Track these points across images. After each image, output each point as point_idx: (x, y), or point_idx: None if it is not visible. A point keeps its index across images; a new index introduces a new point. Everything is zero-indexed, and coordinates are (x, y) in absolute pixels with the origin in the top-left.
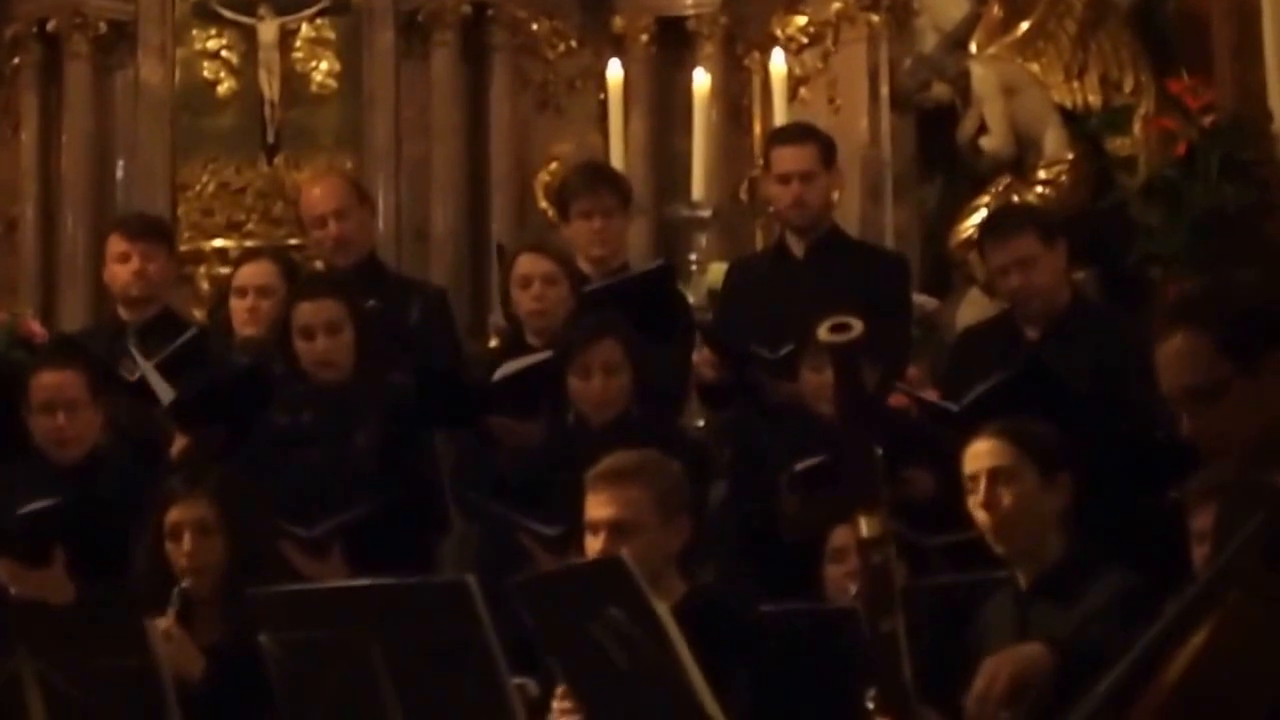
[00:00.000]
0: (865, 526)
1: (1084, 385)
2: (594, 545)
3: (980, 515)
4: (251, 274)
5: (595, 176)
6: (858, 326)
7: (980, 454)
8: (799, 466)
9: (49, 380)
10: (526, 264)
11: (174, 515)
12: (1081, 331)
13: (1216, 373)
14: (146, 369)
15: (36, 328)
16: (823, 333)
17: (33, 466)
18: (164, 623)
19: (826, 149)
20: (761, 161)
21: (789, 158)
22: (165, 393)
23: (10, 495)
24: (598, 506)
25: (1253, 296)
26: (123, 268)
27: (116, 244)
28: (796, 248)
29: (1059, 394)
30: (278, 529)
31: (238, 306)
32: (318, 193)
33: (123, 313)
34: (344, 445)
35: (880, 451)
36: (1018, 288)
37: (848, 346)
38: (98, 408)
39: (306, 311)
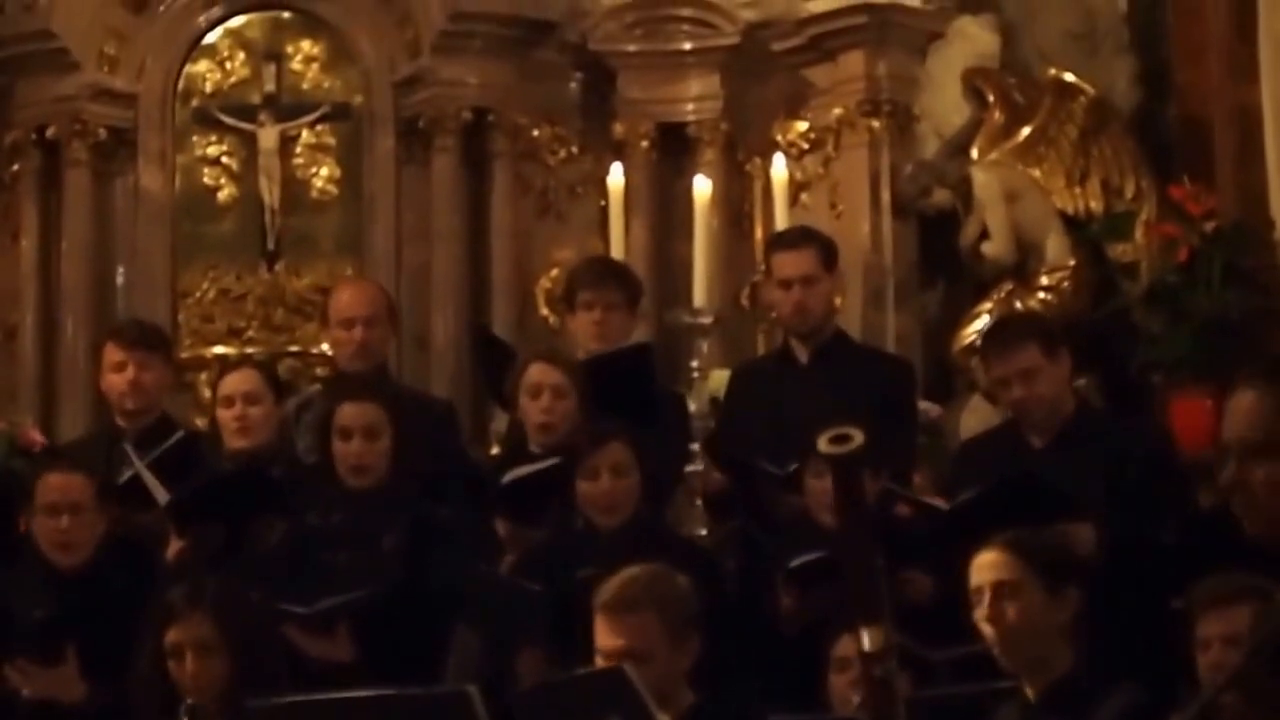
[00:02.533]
0: (868, 639)
1: (1085, 495)
2: None
3: (986, 629)
4: (237, 382)
5: (603, 270)
6: (858, 438)
7: (985, 566)
8: (795, 562)
9: (55, 483)
10: (537, 373)
11: (174, 635)
12: (1087, 440)
13: (1275, 433)
14: (142, 471)
15: (37, 436)
16: (823, 444)
17: (33, 569)
18: None
19: (827, 252)
20: (763, 267)
21: (789, 263)
22: (161, 494)
23: (12, 598)
24: (607, 636)
25: None
26: (119, 377)
27: (112, 353)
28: (801, 353)
29: (1054, 504)
30: (277, 609)
31: (225, 417)
32: (352, 295)
33: (120, 420)
34: (371, 548)
35: (882, 563)
36: (1019, 399)
37: (848, 458)
38: (102, 514)
39: (348, 414)
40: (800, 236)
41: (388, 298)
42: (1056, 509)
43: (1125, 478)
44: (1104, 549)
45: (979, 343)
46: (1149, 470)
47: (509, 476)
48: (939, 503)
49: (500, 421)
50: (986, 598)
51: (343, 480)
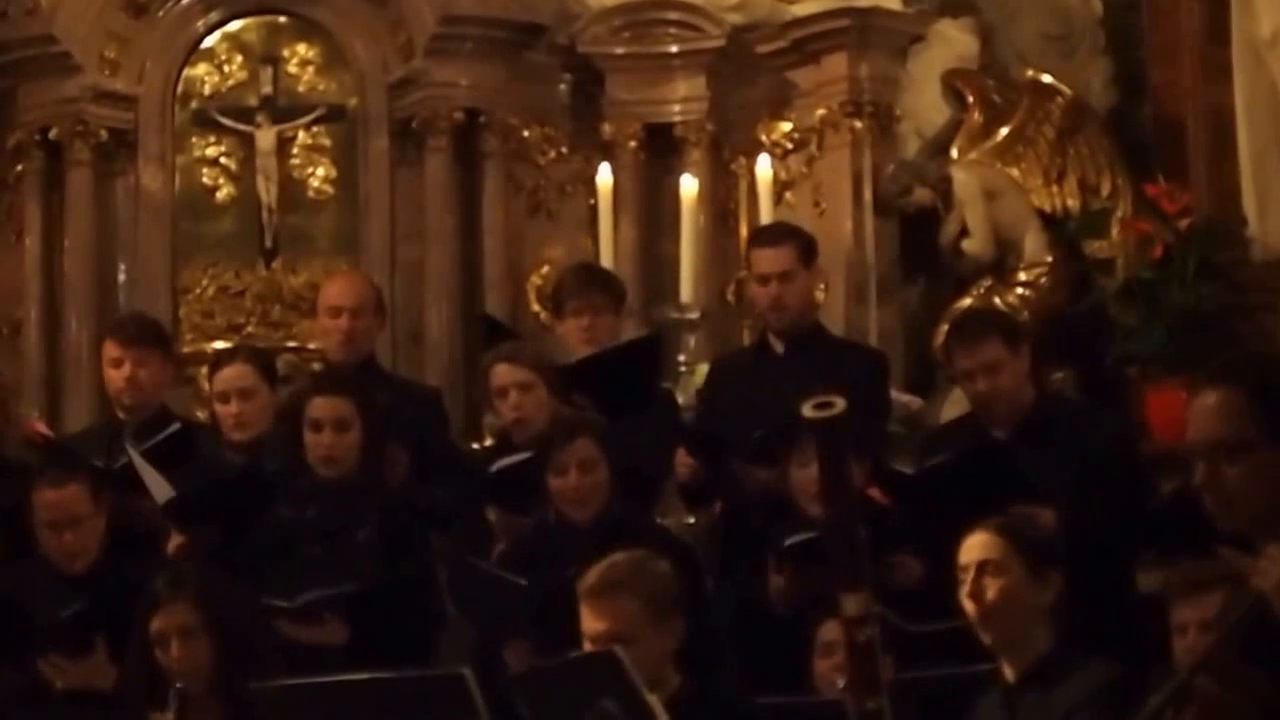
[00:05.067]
0: (849, 604)
1: (1046, 484)
2: None
3: (968, 605)
4: (231, 377)
5: (587, 276)
6: (840, 404)
7: (973, 546)
8: (789, 541)
9: (51, 499)
10: (501, 375)
11: (158, 623)
12: (1049, 428)
13: (1244, 433)
14: (138, 462)
15: (41, 428)
16: (807, 410)
17: (44, 572)
18: None
19: (805, 249)
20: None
21: (767, 259)
22: (161, 490)
23: (30, 599)
24: (591, 620)
25: None
26: (116, 373)
27: (111, 349)
28: (777, 345)
29: (1018, 483)
30: (263, 605)
31: (222, 412)
32: (341, 285)
33: (120, 413)
34: (345, 541)
35: (864, 531)
36: (983, 392)
37: (831, 423)
38: (101, 513)
39: (319, 405)
40: (778, 233)
41: (376, 292)
42: (1019, 488)
43: (1085, 464)
44: (1064, 534)
45: (943, 338)
46: (1108, 457)
47: (497, 465)
48: (901, 467)
49: (494, 415)
50: (970, 575)
51: (314, 472)
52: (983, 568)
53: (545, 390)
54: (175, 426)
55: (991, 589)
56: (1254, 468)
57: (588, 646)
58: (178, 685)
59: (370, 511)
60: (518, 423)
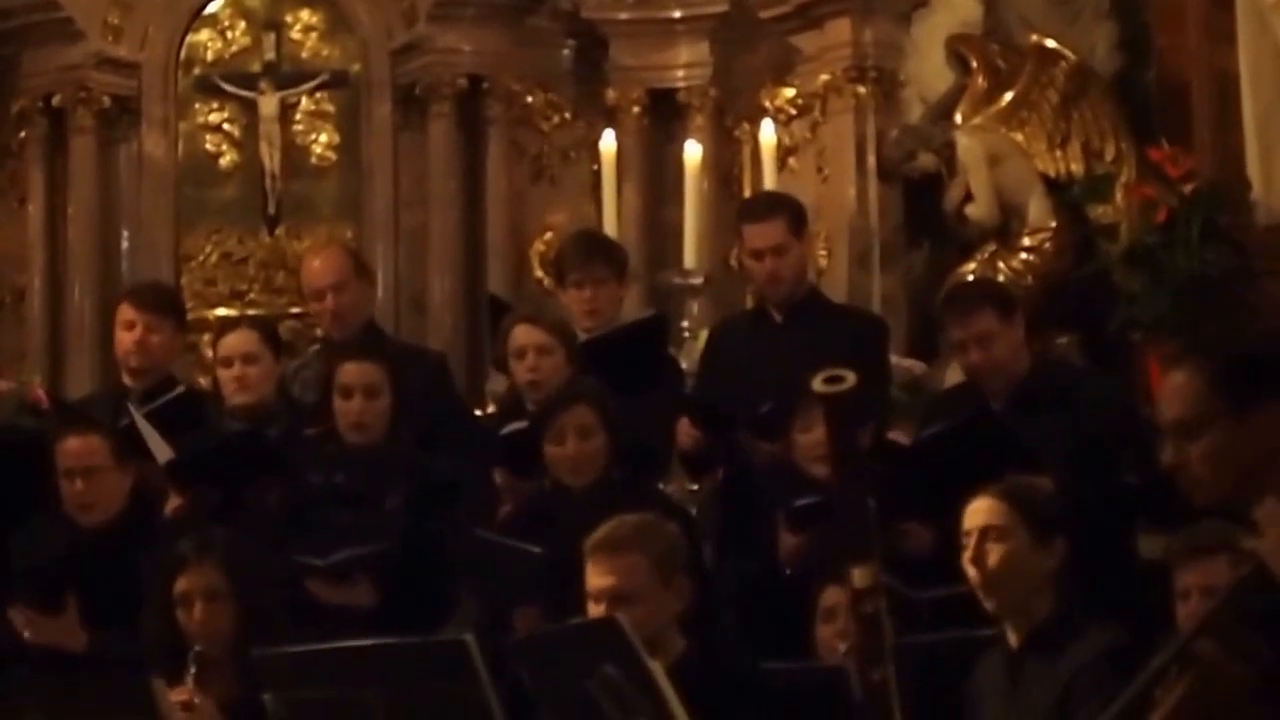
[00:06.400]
0: (857, 577)
1: (1043, 453)
2: (596, 613)
3: (970, 571)
4: (235, 343)
5: (589, 247)
6: (850, 378)
7: (976, 511)
8: (798, 503)
9: (71, 447)
10: (521, 335)
11: (183, 584)
12: (1043, 398)
13: (1205, 409)
14: (141, 423)
15: (41, 394)
16: (817, 384)
17: (58, 527)
18: (183, 691)
19: (795, 218)
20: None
21: (759, 234)
22: (162, 452)
23: (30, 552)
24: (597, 576)
25: (1260, 344)
26: (127, 335)
27: (125, 311)
28: (775, 312)
29: (1013, 451)
30: (293, 562)
31: (225, 376)
32: (317, 266)
33: (126, 379)
34: (375, 508)
35: (873, 503)
36: (977, 363)
37: (841, 398)
38: (125, 471)
39: (349, 371)
40: (767, 207)
41: (354, 259)
42: (1016, 457)
43: (1084, 431)
44: (1062, 501)
45: (938, 309)
46: (1108, 423)
47: (508, 429)
48: (898, 439)
49: (497, 382)
50: (973, 540)
51: (343, 438)
52: (985, 533)
53: (564, 356)
54: (179, 389)
55: (994, 555)
56: (1214, 443)
57: (592, 604)
58: (197, 648)
59: (398, 478)
60: (531, 385)
